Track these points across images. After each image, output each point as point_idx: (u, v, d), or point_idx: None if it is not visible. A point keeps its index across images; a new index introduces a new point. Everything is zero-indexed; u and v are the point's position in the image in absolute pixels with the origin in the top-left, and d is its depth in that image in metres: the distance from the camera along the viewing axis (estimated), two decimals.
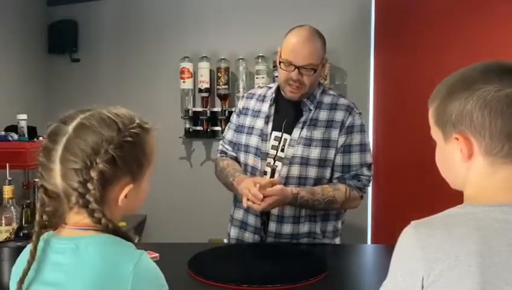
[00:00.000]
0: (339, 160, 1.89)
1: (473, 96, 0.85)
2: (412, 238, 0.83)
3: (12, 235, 1.72)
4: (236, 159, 2.03)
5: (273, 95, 1.96)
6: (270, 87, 2.05)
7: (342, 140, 1.88)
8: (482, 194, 0.87)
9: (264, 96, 2.01)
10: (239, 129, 2.02)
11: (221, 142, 2.12)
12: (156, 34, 3.49)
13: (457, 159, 0.89)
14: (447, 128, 0.90)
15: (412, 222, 0.86)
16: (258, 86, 2.42)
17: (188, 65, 3.34)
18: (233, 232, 2.00)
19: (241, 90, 3.28)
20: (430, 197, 2.46)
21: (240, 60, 3.32)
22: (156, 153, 1.04)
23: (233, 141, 2.05)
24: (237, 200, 2.01)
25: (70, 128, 0.95)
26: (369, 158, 1.92)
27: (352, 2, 3.27)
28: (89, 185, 0.92)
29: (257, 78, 3.26)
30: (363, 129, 1.91)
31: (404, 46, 2.89)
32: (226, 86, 3.32)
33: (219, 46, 3.39)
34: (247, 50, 3.31)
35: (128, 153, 0.96)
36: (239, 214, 1.99)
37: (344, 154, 1.88)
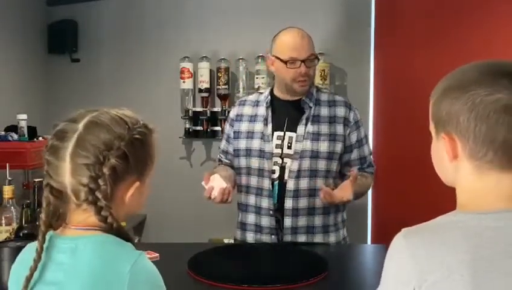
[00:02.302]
0: (356, 155, 2.01)
1: (462, 98, 0.83)
2: (402, 247, 0.82)
3: (12, 235, 1.72)
4: (231, 166, 2.09)
5: (268, 97, 2.03)
6: (261, 93, 2.12)
7: (354, 136, 1.99)
8: (473, 202, 0.85)
9: (257, 101, 2.08)
10: (236, 135, 2.06)
11: (218, 151, 2.22)
12: (156, 34, 3.49)
13: (446, 157, 0.88)
14: (438, 126, 0.89)
15: (403, 230, 0.84)
16: (246, 93, 2.49)
17: (188, 65, 3.33)
18: (250, 237, 2.01)
19: (241, 90, 3.27)
20: (430, 196, 2.46)
21: (240, 60, 3.31)
22: (158, 154, 1.05)
23: (225, 150, 2.14)
24: (244, 205, 2.04)
25: (81, 125, 0.96)
26: (371, 146, 2.12)
27: (352, 2, 3.27)
28: (100, 181, 0.93)
29: (257, 78, 3.25)
30: (362, 122, 2.06)
31: (404, 46, 2.89)
32: (226, 86, 3.32)
33: (219, 46, 3.38)
34: (247, 50, 3.31)
35: (137, 150, 0.99)
36: (251, 219, 2.00)
37: (359, 148, 2.01)
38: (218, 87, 3.34)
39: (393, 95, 3.03)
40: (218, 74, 3.33)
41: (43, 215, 0.97)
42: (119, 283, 0.90)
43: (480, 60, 0.88)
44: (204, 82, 3.33)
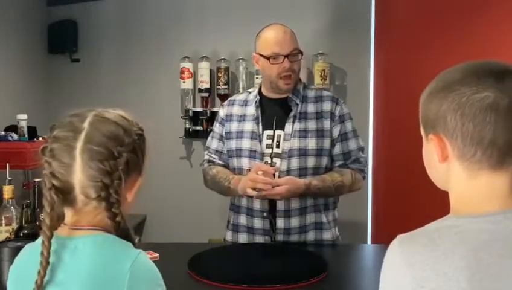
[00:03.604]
0: (338, 149, 1.96)
1: (448, 98, 0.83)
2: (397, 255, 0.81)
3: (12, 235, 1.72)
4: (225, 167, 2.04)
5: (258, 97, 2.01)
6: (249, 92, 2.10)
7: (337, 130, 1.95)
8: (466, 205, 0.84)
9: (246, 100, 2.05)
10: (227, 136, 2.03)
11: (206, 152, 2.13)
12: (156, 34, 3.49)
13: (436, 159, 0.87)
14: (426, 128, 0.89)
15: (398, 237, 0.84)
16: (239, 93, 2.44)
17: (188, 65, 3.34)
18: (242, 238, 1.99)
19: (241, 90, 3.27)
20: (430, 196, 2.46)
21: (240, 60, 3.32)
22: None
23: (219, 150, 2.07)
24: (236, 206, 2.02)
25: (86, 124, 0.96)
26: (362, 142, 2.03)
27: (353, 2, 3.27)
28: (114, 176, 0.94)
29: (257, 78, 3.25)
30: (351, 116, 2.01)
31: (404, 46, 2.89)
32: (226, 86, 3.32)
33: (219, 46, 3.38)
34: (247, 50, 3.30)
35: (141, 145, 1.01)
36: (243, 220, 1.98)
37: (342, 142, 1.96)
38: (218, 87, 3.34)
39: (393, 95, 3.03)
40: (218, 74, 3.33)
41: (47, 220, 0.95)
42: (119, 281, 0.91)
43: (465, 62, 0.88)
44: (204, 82, 3.33)
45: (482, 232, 0.79)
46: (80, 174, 0.94)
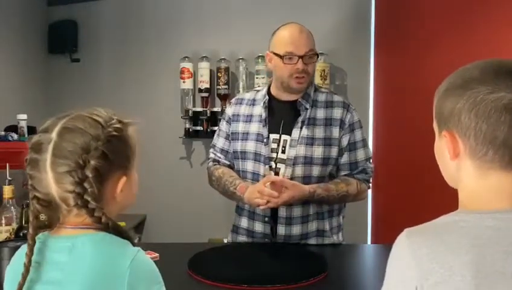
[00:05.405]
0: (346, 159, 1.91)
1: (464, 96, 0.83)
2: (404, 247, 0.82)
3: (12, 235, 1.72)
4: (230, 167, 2.01)
5: (266, 97, 1.94)
6: (257, 91, 2.04)
7: (346, 139, 1.90)
8: (474, 201, 0.85)
9: (254, 99, 1.99)
10: (233, 137, 1.99)
11: (211, 150, 2.08)
12: (156, 34, 3.49)
13: (447, 156, 0.88)
14: (440, 124, 0.89)
15: (405, 230, 0.84)
16: (245, 91, 2.40)
17: (188, 65, 3.34)
18: (242, 240, 1.97)
19: (241, 90, 3.28)
20: (430, 197, 2.46)
21: (240, 60, 3.32)
22: (139, 145, 1.05)
23: (225, 149, 2.02)
24: (240, 209, 2.00)
25: (54, 134, 0.96)
26: (370, 151, 1.98)
27: (352, 2, 3.27)
28: (86, 185, 0.94)
29: (257, 78, 3.26)
30: (361, 124, 1.95)
31: (404, 46, 2.89)
32: (226, 86, 3.32)
33: (219, 46, 3.39)
34: (247, 50, 3.32)
35: (116, 147, 0.98)
36: (244, 223, 1.96)
37: (350, 152, 1.91)
38: (218, 87, 3.34)
39: (393, 95, 3.03)
40: (218, 74, 3.33)
41: (30, 230, 0.97)
42: (119, 279, 0.92)
43: (483, 59, 0.88)
44: (204, 82, 3.33)
45: (489, 229, 0.79)
46: (54, 186, 0.95)
